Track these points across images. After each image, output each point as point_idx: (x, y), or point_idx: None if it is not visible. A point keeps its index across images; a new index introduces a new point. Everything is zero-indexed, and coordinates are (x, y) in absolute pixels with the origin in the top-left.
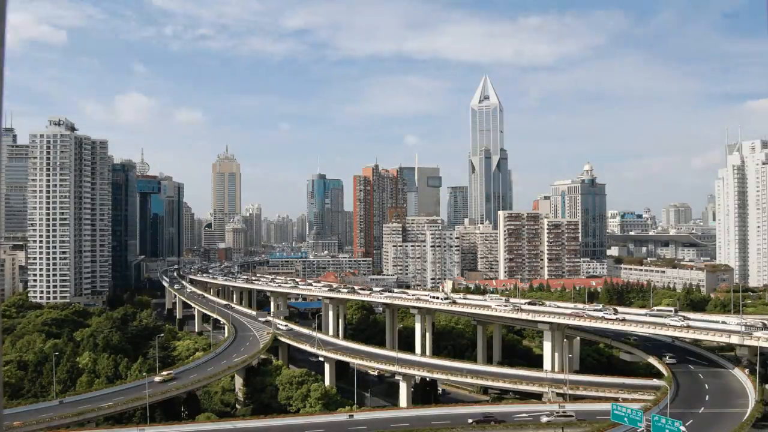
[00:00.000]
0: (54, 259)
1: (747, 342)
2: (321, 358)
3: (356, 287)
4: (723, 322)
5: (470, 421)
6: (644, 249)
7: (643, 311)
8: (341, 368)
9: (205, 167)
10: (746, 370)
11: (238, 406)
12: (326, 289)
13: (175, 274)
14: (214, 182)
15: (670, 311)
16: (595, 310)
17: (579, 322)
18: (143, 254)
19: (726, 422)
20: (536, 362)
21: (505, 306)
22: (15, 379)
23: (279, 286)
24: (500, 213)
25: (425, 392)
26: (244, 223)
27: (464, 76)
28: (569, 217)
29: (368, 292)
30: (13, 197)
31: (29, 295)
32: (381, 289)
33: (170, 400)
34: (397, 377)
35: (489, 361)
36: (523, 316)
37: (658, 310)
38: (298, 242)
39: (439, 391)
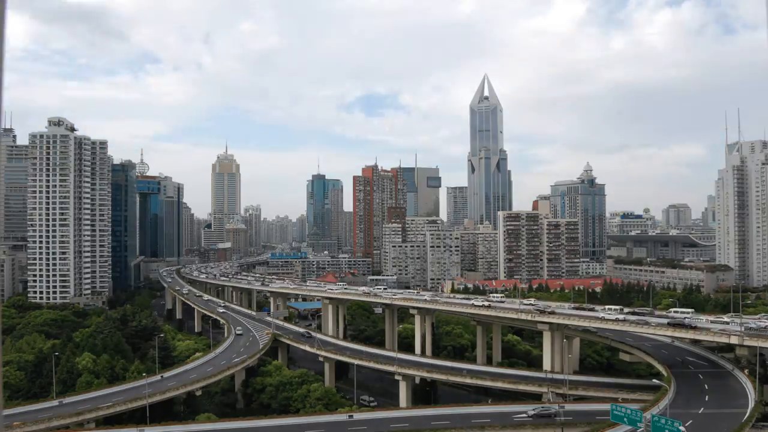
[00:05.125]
0: (54, 259)
1: (747, 342)
2: (321, 359)
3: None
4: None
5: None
6: (644, 249)
7: None
8: (341, 368)
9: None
10: (746, 371)
11: (238, 406)
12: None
13: (174, 274)
14: (214, 182)
15: None
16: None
17: (578, 322)
18: (143, 254)
19: (726, 422)
20: (536, 363)
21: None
22: (15, 380)
23: (279, 286)
24: (500, 213)
25: (425, 392)
26: (243, 223)
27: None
28: (569, 218)
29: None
30: (13, 197)
31: (29, 295)
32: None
33: (170, 400)
34: (396, 377)
35: (489, 361)
36: (523, 316)
37: None
38: (297, 242)
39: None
